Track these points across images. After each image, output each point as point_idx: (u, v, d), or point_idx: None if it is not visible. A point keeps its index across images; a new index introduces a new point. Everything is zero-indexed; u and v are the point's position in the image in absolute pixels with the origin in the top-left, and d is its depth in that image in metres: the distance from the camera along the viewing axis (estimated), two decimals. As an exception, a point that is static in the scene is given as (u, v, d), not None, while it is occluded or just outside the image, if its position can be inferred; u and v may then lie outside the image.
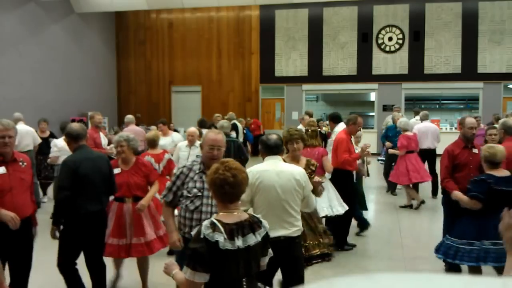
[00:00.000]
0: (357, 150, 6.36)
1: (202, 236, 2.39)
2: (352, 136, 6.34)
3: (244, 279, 2.48)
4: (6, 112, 9.15)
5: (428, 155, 9.04)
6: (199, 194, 3.33)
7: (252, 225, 2.51)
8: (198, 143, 6.86)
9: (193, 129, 6.94)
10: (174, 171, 6.26)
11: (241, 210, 2.62)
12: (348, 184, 6.04)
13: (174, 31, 17.82)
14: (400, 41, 16.20)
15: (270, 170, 3.47)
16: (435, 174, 8.57)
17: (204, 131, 8.10)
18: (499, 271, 4.18)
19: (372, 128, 16.77)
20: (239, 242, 2.41)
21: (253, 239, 2.47)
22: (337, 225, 6.07)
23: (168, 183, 3.52)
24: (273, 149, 3.59)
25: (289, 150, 4.42)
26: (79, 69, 15.79)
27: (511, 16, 15.48)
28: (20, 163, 3.72)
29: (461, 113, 18.81)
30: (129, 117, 9.54)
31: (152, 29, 18.03)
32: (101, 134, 8.21)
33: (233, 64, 17.44)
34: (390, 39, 16.27)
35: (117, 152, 4.63)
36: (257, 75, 17.30)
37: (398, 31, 16.20)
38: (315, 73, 16.76)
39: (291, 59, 16.97)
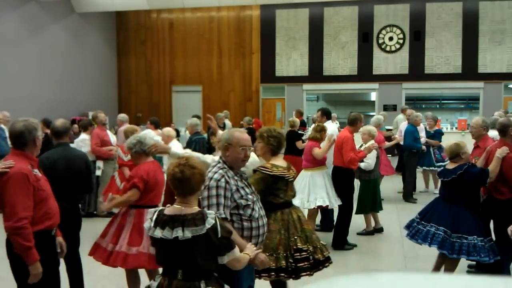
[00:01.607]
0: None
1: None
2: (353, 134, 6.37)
3: (179, 270, 2.60)
4: (6, 111, 9.16)
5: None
6: (255, 198, 3.14)
7: (187, 220, 2.57)
8: (175, 143, 6.72)
9: (168, 128, 6.82)
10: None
11: (193, 205, 2.67)
12: (349, 183, 6.05)
13: (174, 31, 17.83)
14: (401, 41, 16.21)
15: None
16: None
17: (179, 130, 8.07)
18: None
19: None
20: (164, 233, 2.58)
21: (179, 233, 2.55)
22: (337, 224, 6.09)
23: (213, 200, 2.98)
24: None
25: None
26: (79, 68, 15.80)
27: (511, 16, 15.48)
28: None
29: (461, 113, 18.82)
30: (122, 115, 9.58)
31: (153, 29, 18.04)
32: (109, 132, 8.23)
33: (233, 64, 17.45)
34: (391, 39, 16.28)
35: None
36: (257, 75, 17.31)
37: (398, 31, 16.21)
38: (316, 73, 16.76)
39: (291, 59, 16.98)
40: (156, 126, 8.40)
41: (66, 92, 15.04)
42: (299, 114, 10.50)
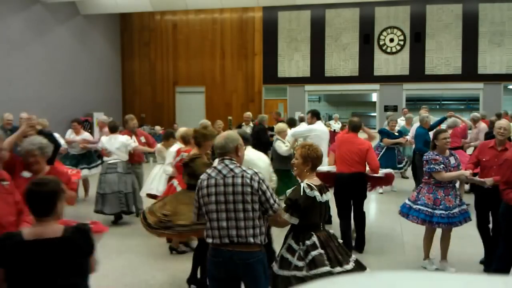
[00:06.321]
0: None
1: None
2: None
3: None
4: (12, 112, 9.30)
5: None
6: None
7: None
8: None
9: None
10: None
11: None
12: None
13: (178, 33, 17.98)
14: (401, 42, 16.35)
15: None
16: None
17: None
18: None
19: (374, 128, 16.91)
20: None
21: None
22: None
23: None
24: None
25: None
26: (84, 70, 15.97)
27: (511, 17, 15.62)
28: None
29: (461, 113, 18.90)
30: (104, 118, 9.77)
31: (157, 31, 18.19)
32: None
33: (236, 65, 17.60)
34: (392, 40, 16.42)
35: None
36: (260, 76, 17.46)
37: (399, 33, 16.35)
38: (318, 74, 16.91)
39: (293, 60, 17.13)
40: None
41: (71, 93, 15.21)
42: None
